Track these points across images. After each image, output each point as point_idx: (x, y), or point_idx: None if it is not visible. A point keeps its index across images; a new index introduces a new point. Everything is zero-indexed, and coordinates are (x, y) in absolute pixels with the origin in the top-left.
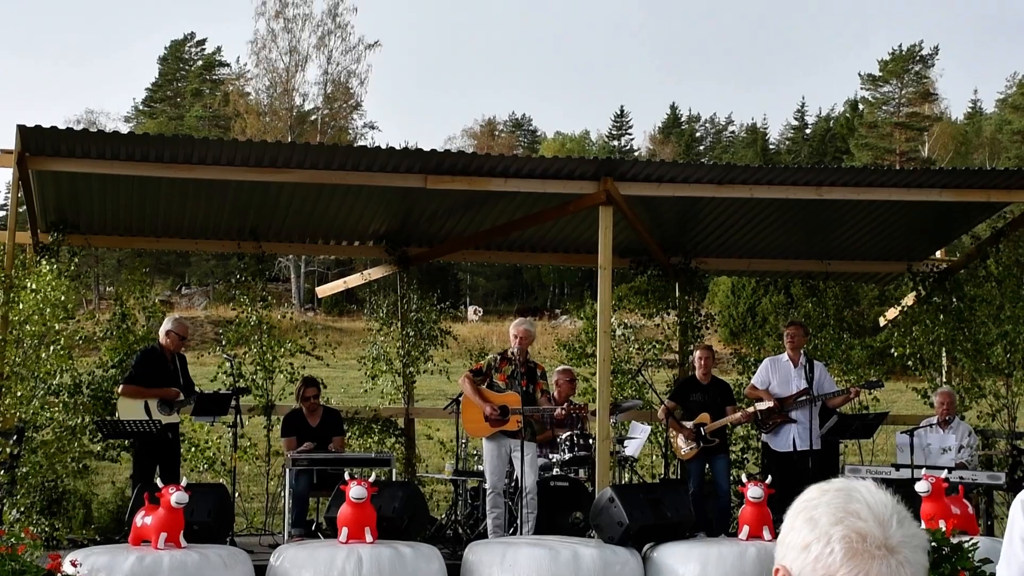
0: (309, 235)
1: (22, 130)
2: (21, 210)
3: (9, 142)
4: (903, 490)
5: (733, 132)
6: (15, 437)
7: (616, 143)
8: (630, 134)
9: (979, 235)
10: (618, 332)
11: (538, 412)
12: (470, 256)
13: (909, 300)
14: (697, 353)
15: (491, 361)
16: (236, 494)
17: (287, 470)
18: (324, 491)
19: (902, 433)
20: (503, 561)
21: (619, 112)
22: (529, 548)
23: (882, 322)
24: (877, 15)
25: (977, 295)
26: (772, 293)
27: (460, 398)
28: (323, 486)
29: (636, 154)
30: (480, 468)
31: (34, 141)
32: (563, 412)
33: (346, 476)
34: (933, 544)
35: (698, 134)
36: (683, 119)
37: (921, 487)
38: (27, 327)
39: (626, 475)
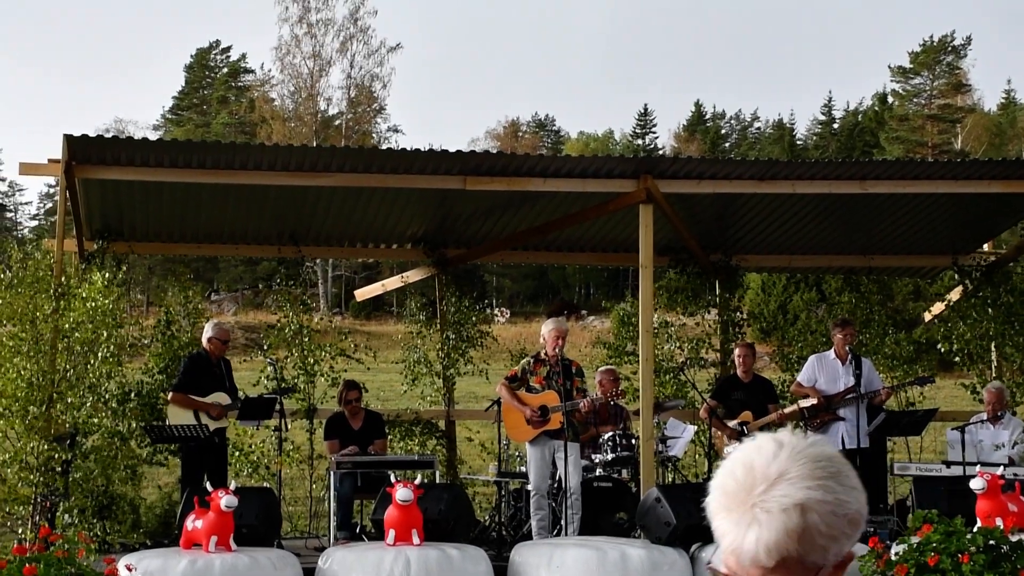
0: (348, 238)
1: (69, 139)
2: (67, 218)
3: (42, 152)
4: (956, 487)
5: (759, 128)
6: (68, 442)
7: (640, 142)
8: (654, 132)
9: None
10: (660, 332)
11: (577, 406)
12: (508, 257)
13: (955, 295)
14: (737, 351)
15: (525, 365)
16: (282, 498)
17: (331, 473)
18: (368, 494)
19: (953, 429)
20: (550, 562)
21: (643, 110)
22: (576, 549)
23: (927, 317)
24: (906, 6)
25: None
26: (803, 290)
27: (500, 401)
28: (367, 489)
29: (662, 152)
30: (523, 469)
31: (80, 150)
32: (603, 399)
33: (391, 479)
34: (991, 543)
35: (723, 131)
36: (708, 116)
37: (976, 484)
38: (77, 335)
39: (669, 475)
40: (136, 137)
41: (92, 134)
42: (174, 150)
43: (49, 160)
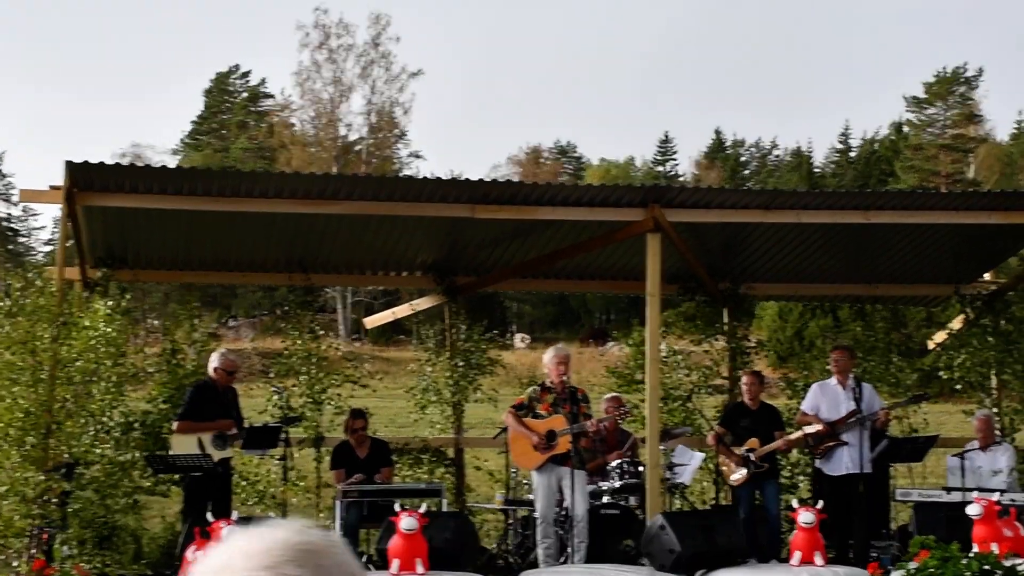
0: (357, 266)
1: (70, 166)
2: (69, 244)
3: (57, 178)
4: (954, 513)
5: (778, 156)
6: (66, 473)
7: (661, 168)
8: (675, 159)
9: None
10: (666, 358)
11: (583, 429)
12: (518, 285)
13: (957, 323)
14: (744, 379)
15: (532, 394)
16: None
17: (337, 502)
18: (375, 523)
19: (952, 456)
20: None
21: (664, 138)
22: None
23: (930, 345)
24: (921, 38)
25: None
26: (819, 317)
27: (507, 428)
28: (373, 518)
29: (682, 179)
30: (530, 497)
31: (82, 177)
32: (610, 423)
33: (396, 507)
34: (986, 567)
35: (743, 159)
36: (728, 144)
37: (972, 510)
38: (78, 363)
39: (677, 502)
40: (153, 162)
41: (109, 159)
42: (178, 177)
43: (51, 187)
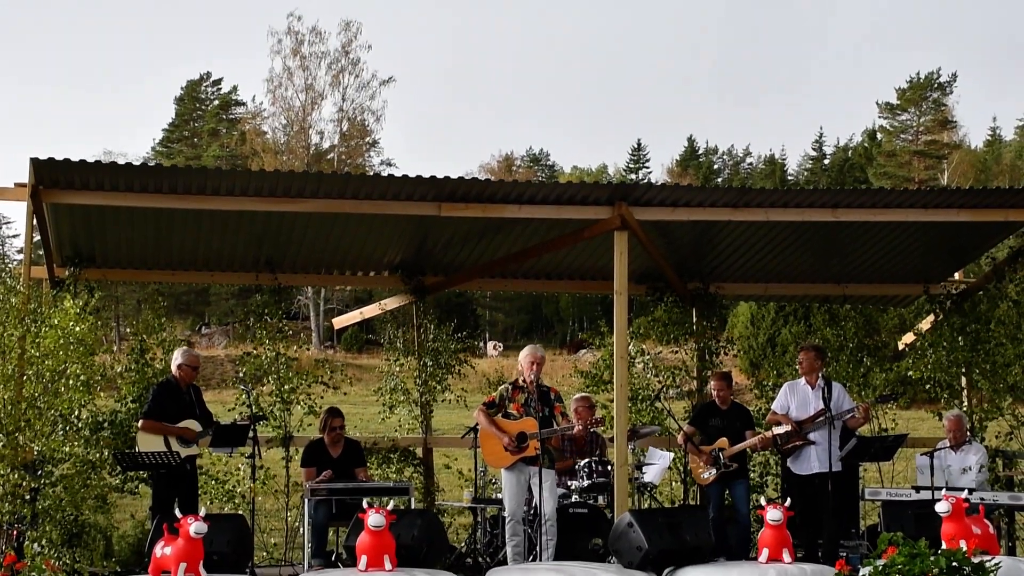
0: (325, 266)
1: (35, 163)
2: (36, 242)
3: (22, 175)
4: (922, 511)
5: (751, 163)
6: (35, 471)
7: (634, 176)
8: (647, 167)
9: (995, 256)
10: (637, 361)
11: (555, 434)
12: (486, 285)
13: (926, 324)
14: (712, 382)
15: (503, 392)
16: (255, 525)
17: (305, 501)
18: (343, 521)
19: (922, 455)
20: None
21: (636, 145)
22: (548, 574)
23: (900, 346)
24: (894, 43)
25: (994, 316)
26: (792, 323)
27: (477, 428)
28: (342, 516)
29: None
30: (499, 496)
31: (48, 174)
32: (580, 428)
33: (364, 504)
34: (954, 564)
35: (716, 166)
36: (700, 151)
37: (941, 507)
38: (47, 362)
39: (646, 501)
40: None
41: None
42: (144, 175)
43: (16, 184)
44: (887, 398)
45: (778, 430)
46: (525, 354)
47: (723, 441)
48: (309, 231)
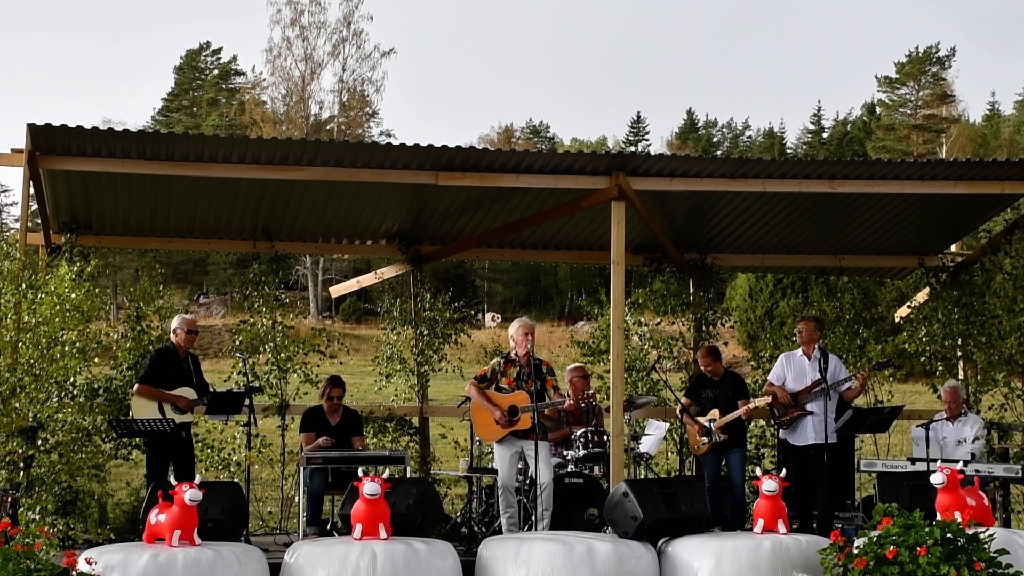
0: (322, 234)
1: (32, 128)
2: (33, 208)
3: (19, 142)
4: (917, 482)
5: (750, 137)
6: (30, 437)
7: (633, 149)
8: (647, 140)
9: (990, 230)
10: (634, 332)
11: (547, 406)
12: (483, 254)
13: (922, 296)
14: (699, 358)
15: (495, 366)
16: (251, 493)
17: (301, 469)
18: (339, 490)
19: (917, 427)
20: (517, 557)
21: (636, 117)
22: (543, 543)
23: (896, 319)
24: (893, 17)
25: (990, 288)
26: (790, 296)
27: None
28: (338, 484)
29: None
30: (494, 466)
31: (45, 140)
32: (572, 403)
33: (360, 473)
34: (948, 535)
35: (715, 139)
36: (700, 124)
37: (936, 479)
38: (43, 328)
39: (642, 471)
40: None
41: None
42: (141, 141)
43: (12, 150)
44: (884, 364)
45: (758, 402)
46: (516, 327)
47: (715, 413)
48: (306, 199)
